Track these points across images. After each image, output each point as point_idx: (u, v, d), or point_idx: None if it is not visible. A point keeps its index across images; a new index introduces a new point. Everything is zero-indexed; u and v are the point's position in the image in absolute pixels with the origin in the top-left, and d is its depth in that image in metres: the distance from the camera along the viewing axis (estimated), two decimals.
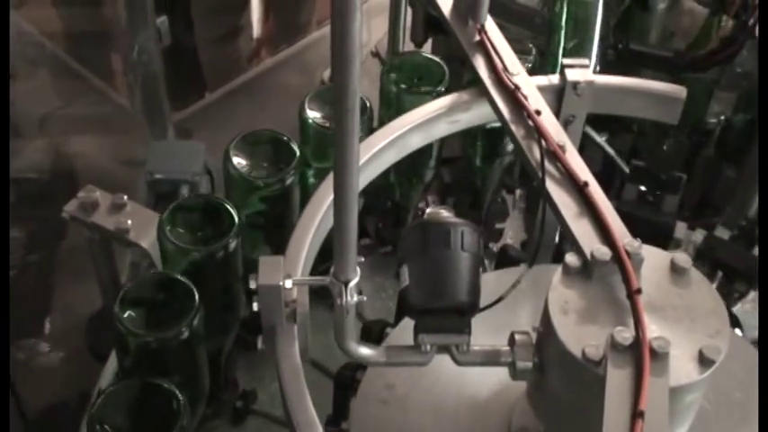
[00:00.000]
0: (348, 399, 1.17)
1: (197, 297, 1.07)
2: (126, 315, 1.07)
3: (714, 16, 1.67)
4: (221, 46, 2.36)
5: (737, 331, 1.30)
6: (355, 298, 0.90)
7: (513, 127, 1.10)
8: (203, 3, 2.21)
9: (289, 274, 0.92)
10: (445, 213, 1.04)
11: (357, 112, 0.77)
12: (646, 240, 0.98)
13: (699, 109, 1.71)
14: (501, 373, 1.02)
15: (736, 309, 1.38)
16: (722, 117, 1.74)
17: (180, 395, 1.03)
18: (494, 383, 1.13)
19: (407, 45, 1.78)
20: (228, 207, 1.17)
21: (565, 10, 1.53)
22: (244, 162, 1.26)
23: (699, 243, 1.41)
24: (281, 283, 0.90)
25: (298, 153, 1.26)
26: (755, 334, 1.31)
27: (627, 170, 1.49)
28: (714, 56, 1.66)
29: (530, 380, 1.01)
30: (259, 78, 2.48)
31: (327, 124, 1.30)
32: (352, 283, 0.89)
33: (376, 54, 1.67)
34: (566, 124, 1.19)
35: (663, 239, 1.40)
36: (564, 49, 1.52)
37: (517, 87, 1.12)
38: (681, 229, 1.43)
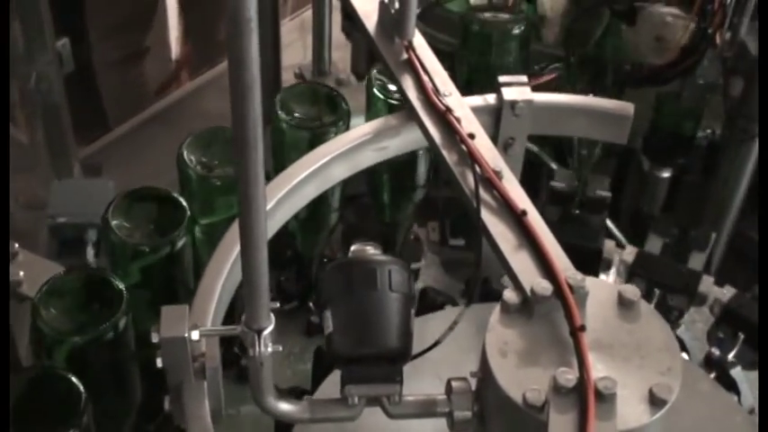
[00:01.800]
0: None
1: (83, 395, 1.00)
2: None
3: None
4: (130, 69, 2.38)
5: (684, 355, 1.36)
6: (270, 348, 0.92)
7: (444, 152, 1.14)
8: (105, 21, 2.23)
9: (196, 324, 0.95)
10: (371, 251, 1.07)
11: (260, 144, 0.80)
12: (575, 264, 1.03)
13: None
14: (439, 425, 1.05)
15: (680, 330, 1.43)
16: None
17: None
18: None
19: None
20: (113, 280, 1.10)
21: None
22: (126, 225, 1.19)
23: (630, 262, 1.46)
24: (187, 335, 0.93)
25: (188, 212, 1.18)
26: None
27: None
28: (673, 67, 1.73)
29: (470, 431, 1.04)
30: (178, 104, 2.50)
31: (219, 171, 1.24)
32: (267, 332, 0.92)
33: (300, 76, 1.71)
34: (505, 147, 1.23)
35: (591, 261, 1.46)
36: None
37: (449, 109, 1.17)
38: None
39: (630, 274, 1.50)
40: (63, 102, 2.04)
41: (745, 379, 1.36)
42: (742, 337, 1.43)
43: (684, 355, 1.38)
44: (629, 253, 1.51)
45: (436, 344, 1.08)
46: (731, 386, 1.35)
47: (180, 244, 1.16)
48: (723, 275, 1.65)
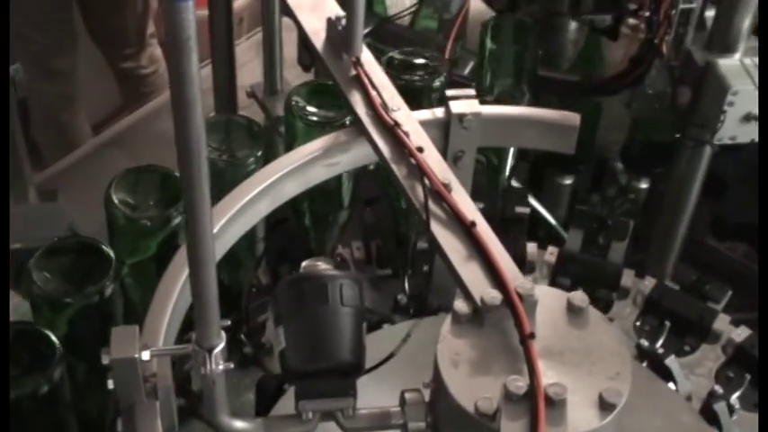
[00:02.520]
0: None
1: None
2: None
3: None
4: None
5: (671, 385, 1.38)
6: (221, 366, 0.93)
7: (394, 167, 1.15)
8: None
9: (146, 344, 0.95)
10: (323, 266, 1.08)
11: (203, 161, 0.81)
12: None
13: None
14: None
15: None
16: None
17: None
18: None
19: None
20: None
21: None
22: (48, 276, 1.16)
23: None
24: (138, 356, 0.93)
25: (113, 261, 1.16)
26: (688, 388, 1.39)
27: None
28: (622, 78, 1.77)
29: None
30: (134, 126, 2.50)
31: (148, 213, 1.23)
32: (218, 350, 0.92)
33: (252, 95, 1.72)
34: (455, 160, 1.25)
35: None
36: None
37: (397, 124, 1.18)
38: (628, 276, 1.52)
39: (554, 273, 1.54)
40: (17, 126, 2.04)
41: (679, 367, 1.39)
42: (668, 325, 1.46)
43: None
44: (552, 253, 1.54)
45: (390, 356, 1.09)
46: (667, 375, 1.38)
47: (108, 292, 1.15)
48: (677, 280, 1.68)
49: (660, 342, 1.46)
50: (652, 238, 1.88)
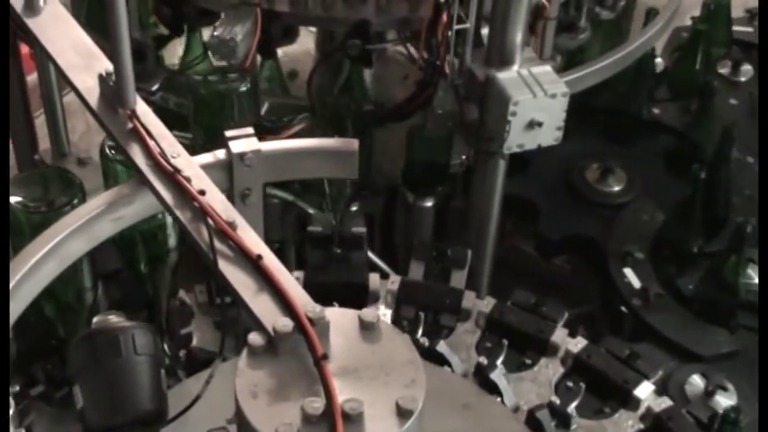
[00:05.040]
0: None
1: None
2: None
3: None
4: None
5: (498, 399, 1.45)
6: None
7: (178, 212, 1.18)
8: None
9: None
10: (114, 319, 1.10)
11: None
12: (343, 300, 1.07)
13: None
14: None
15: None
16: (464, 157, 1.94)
17: None
18: None
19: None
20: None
21: None
22: None
23: (396, 290, 1.56)
24: None
25: None
26: (514, 400, 1.46)
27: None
28: (411, 102, 1.85)
29: None
30: None
31: None
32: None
33: (41, 162, 1.72)
34: (242, 198, 1.29)
35: (358, 296, 1.56)
36: None
37: (177, 170, 1.21)
38: (469, 298, 1.59)
39: (398, 302, 1.59)
40: None
41: (506, 380, 1.46)
42: (506, 343, 1.54)
43: (447, 368, 1.48)
44: (394, 282, 1.60)
45: (197, 399, 1.12)
46: (493, 389, 1.45)
47: None
48: (494, 289, 1.76)
49: (501, 359, 1.53)
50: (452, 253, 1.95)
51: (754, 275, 1.91)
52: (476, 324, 1.57)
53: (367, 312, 1.09)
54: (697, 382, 1.69)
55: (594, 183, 2.10)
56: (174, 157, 1.24)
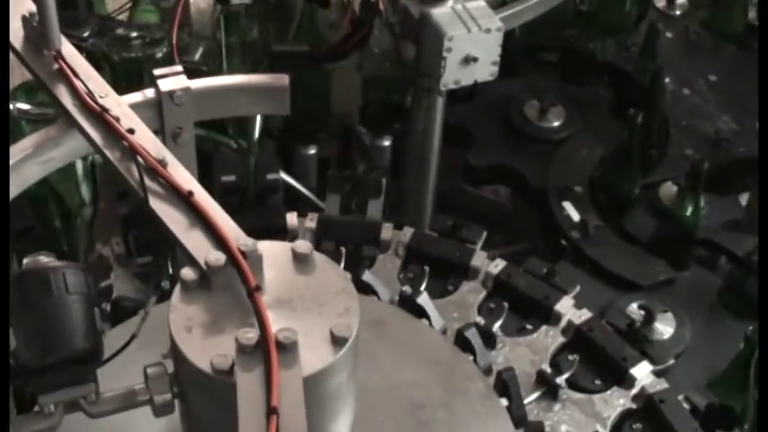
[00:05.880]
0: None
1: None
2: None
3: None
4: None
5: (425, 321, 1.48)
6: None
7: (107, 152, 1.18)
8: None
9: None
10: (45, 259, 1.10)
11: None
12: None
13: None
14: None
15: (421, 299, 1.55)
16: None
17: None
18: None
19: None
20: None
21: None
22: None
23: (314, 227, 1.60)
24: None
25: None
26: (442, 323, 1.50)
27: None
28: (347, 42, 1.85)
29: (181, 414, 1.10)
30: None
31: None
32: None
33: None
34: (174, 137, 1.29)
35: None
36: None
37: (105, 109, 1.21)
38: (387, 230, 1.62)
39: (318, 238, 1.62)
40: None
41: (432, 304, 1.50)
42: (428, 269, 1.57)
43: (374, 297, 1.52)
44: (312, 219, 1.62)
45: (132, 338, 1.12)
46: (422, 314, 1.49)
47: None
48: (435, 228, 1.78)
49: (423, 286, 1.56)
50: (406, 194, 1.98)
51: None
52: (395, 254, 1.60)
53: (300, 244, 1.10)
54: (634, 309, 1.74)
55: (534, 119, 2.13)
56: (101, 97, 1.24)
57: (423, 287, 1.55)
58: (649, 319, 1.71)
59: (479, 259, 1.60)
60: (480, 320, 1.51)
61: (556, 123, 2.11)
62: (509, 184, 2.16)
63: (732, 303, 1.80)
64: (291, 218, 1.62)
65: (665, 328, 1.73)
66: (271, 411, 0.95)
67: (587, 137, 2.08)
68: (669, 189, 1.94)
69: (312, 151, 1.95)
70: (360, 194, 1.78)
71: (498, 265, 1.59)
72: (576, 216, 1.92)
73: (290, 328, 1.01)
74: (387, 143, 1.95)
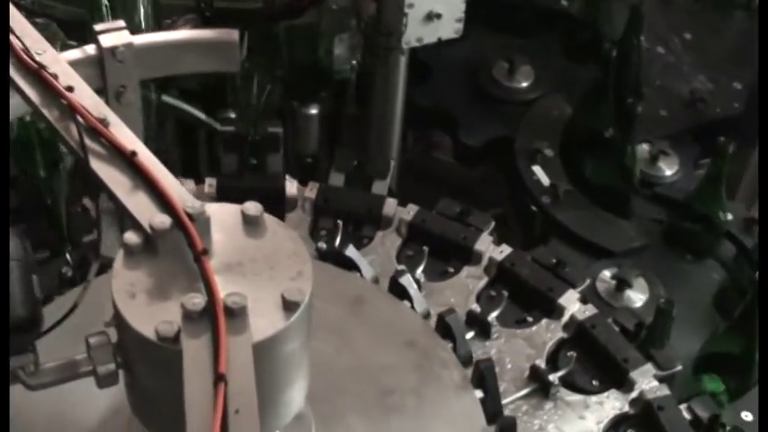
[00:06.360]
0: None
1: None
2: None
3: None
4: None
5: (406, 303, 1.44)
6: None
7: (44, 110, 1.13)
8: None
9: None
10: None
11: None
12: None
13: None
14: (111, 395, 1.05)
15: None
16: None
17: None
18: (103, 410, 1.16)
19: None
20: None
21: None
22: None
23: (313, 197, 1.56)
24: None
25: None
26: (424, 306, 1.45)
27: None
28: None
29: (126, 385, 1.05)
30: None
31: None
32: None
33: None
34: (118, 96, 1.24)
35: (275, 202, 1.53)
36: None
37: (42, 66, 1.15)
38: (390, 205, 1.57)
39: (316, 209, 1.56)
40: None
41: (413, 285, 1.46)
42: (427, 250, 1.52)
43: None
44: (311, 189, 1.57)
45: (74, 307, 1.07)
46: (403, 294, 1.44)
47: None
48: (405, 195, 1.74)
49: (421, 267, 1.52)
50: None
51: (665, 168, 1.93)
52: (397, 232, 1.55)
53: (250, 206, 1.06)
54: (607, 277, 1.70)
55: (503, 80, 2.08)
56: (39, 54, 1.18)
57: (420, 269, 1.51)
58: (621, 287, 1.68)
59: (484, 244, 1.55)
60: (476, 308, 1.46)
61: (524, 84, 2.07)
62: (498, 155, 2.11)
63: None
64: (291, 185, 1.57)
65: (636, 296, 1.70)
66: (218, 379, 0.91)
67: (557, 97, 2.03)
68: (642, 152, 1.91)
69: (314, 111, 1.87)
70: (364, 174, 1.72)
71: (503, 251, 1.55)
72: (546, 180, 1.88)
73: (239, 292, 0.96)
74: (314, 111, 1.89)
